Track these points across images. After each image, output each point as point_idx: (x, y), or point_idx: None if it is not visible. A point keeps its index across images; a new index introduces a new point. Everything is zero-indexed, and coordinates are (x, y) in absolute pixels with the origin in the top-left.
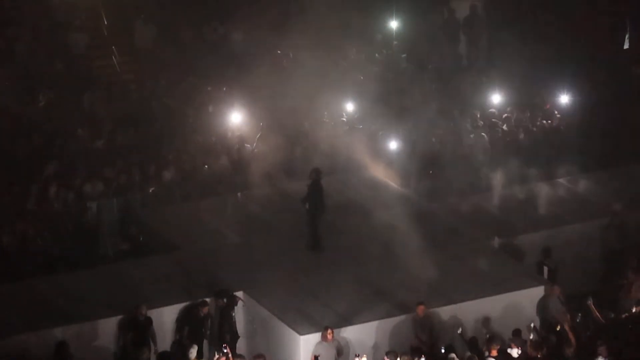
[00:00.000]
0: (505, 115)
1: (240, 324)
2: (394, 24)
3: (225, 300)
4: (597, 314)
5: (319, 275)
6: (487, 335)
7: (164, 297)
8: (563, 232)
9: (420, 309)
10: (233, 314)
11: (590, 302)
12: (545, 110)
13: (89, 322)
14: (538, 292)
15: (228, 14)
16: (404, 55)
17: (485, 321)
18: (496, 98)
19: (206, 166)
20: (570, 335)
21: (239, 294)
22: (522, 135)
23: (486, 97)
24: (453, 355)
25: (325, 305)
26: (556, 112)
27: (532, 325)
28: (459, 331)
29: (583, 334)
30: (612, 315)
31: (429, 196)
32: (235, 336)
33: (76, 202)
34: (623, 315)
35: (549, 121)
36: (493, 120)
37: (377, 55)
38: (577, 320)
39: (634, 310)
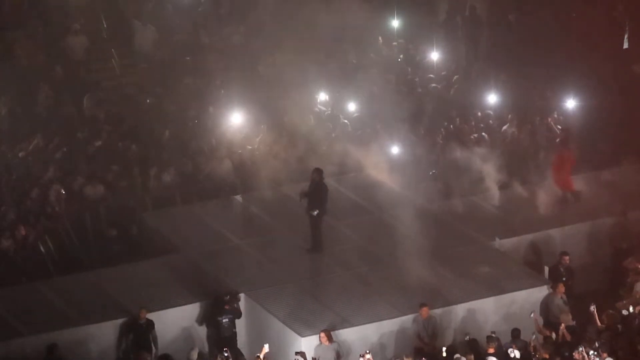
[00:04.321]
0: (509, 115)
1: (241, 325)
2: (394, 24)
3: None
4: (598, 320)
5: (320, 277)
6: (491, 333)
7: (165, 300)
8: (563, 232)
9: (424, 310)
10: (220, 319)
11: (593, 308)
12: (549, 114)
13: (89, 326)
14: (538, 292)
15: (227, 15)
16: (402, 56)
17: (485, 321)
18: (492, 98)
19: (206, 168)
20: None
21: (240, 295)
22: (521, 136)
23: (486, 98)
24: (458, 355)
25: (327, 306)
26: (557, 115)
27: (531, 315)
28: (467, 338)
29: (583, 335)
30: (611, 312)
31: (429, 197)
32: (234, 338)
33: (76, 204)
34: (624, 314)
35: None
36: (490, 121)
37: (372, 55)
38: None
39: (631, 309)
